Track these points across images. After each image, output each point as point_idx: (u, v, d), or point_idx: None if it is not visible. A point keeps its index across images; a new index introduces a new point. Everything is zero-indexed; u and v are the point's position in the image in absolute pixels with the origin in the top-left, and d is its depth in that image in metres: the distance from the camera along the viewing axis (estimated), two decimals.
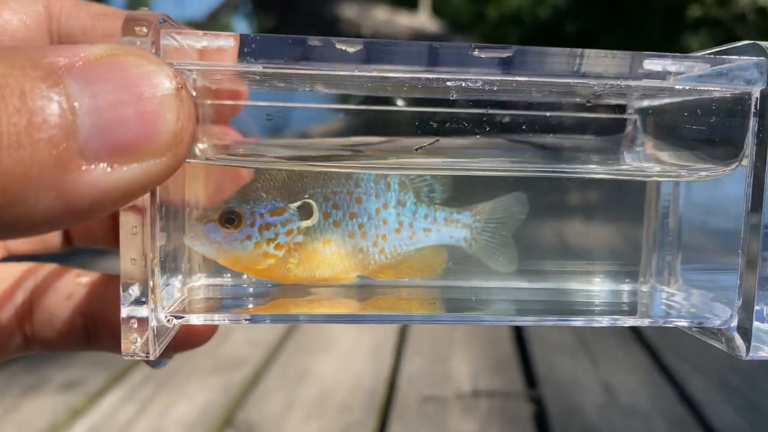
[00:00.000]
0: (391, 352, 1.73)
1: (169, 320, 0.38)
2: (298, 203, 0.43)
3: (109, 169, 0.27)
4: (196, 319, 0.39)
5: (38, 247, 0.47)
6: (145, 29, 0.31)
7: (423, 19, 5.70)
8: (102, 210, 0.28)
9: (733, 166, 0.39)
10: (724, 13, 7.19)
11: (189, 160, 0.40)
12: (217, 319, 0.40)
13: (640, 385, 1.56)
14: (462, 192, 0.47)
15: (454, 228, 0.47)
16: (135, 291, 0.35)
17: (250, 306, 0.45)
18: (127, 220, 0.34)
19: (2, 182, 0.24)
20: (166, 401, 1.45)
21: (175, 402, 1.45)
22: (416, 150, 0.43)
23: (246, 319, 0.40)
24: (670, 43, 7.81)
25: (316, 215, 0.43)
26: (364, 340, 1.80)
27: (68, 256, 0.51)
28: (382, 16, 5.41)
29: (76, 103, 0.26)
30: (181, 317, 0.39)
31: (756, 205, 0.37)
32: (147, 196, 0.34)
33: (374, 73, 0.35)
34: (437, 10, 7.00)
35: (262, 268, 0.43)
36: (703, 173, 0.42)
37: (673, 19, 7.81)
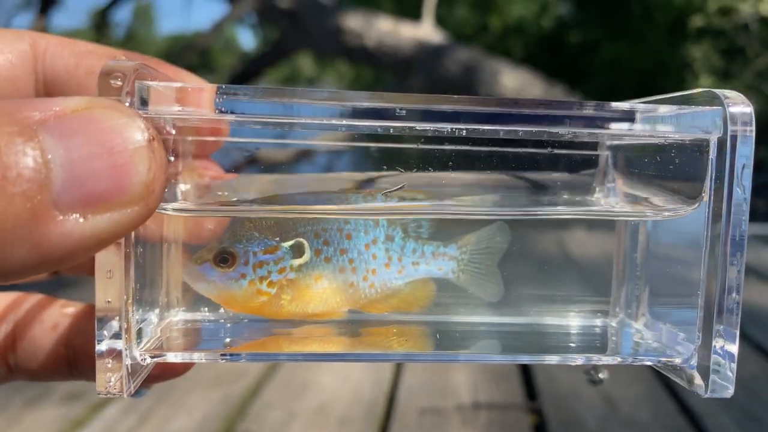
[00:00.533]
0: (390, 364, 1.74)
1: (143, 359, 0.39)
2: (291, 242, 0.44)
3: (82, 220, 0.28)
4: (172, 357, 0.40)
5: None
6: (119, 81, 0.33)
7: (427, 30, 5.71)
8: (75, 258, 0.28)
9: (694, 206, 0.40)
10: (726, 23, 7.20)
11: (164, 211, 0.41)
12: (194, 357, 0.41)
13: (641, 396, 1.56)
14: (447, 225, 0.48)
15: (442, 261, 0.48)
16: (110, 330, 0.36)
17: (228, 341, 0.46)
18: (102, 264, 0.35)
19: None
20: (166, 413, 1.46)
21: (175, 414, 1.46)
22: (383, 194, 0.44)
23: (222, 357, 0.41)
24: (673, 53, 7.81)
25: (308, 253, 0.45)
26: None
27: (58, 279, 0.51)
28: (385, 26, 5.43)
29: (50, 156, 0.27)
30: (157, 356, 0.40)
31: (714, 247, 0.38)
32: (122, 239, 0.35)
33: (344, 122, 0.37)
34: (441, 20, 7.02)
35: (256, 305, 0.44)
36: (667, 213, 0.43)
37: (675, 29, 7.82)
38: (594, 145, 0.48)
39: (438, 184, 0.46)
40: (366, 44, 5.32)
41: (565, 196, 0.49)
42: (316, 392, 1.57)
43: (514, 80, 5.28)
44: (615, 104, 0.39)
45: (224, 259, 0.43)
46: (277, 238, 0.44)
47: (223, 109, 0.36)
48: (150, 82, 0.35)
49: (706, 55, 7.51)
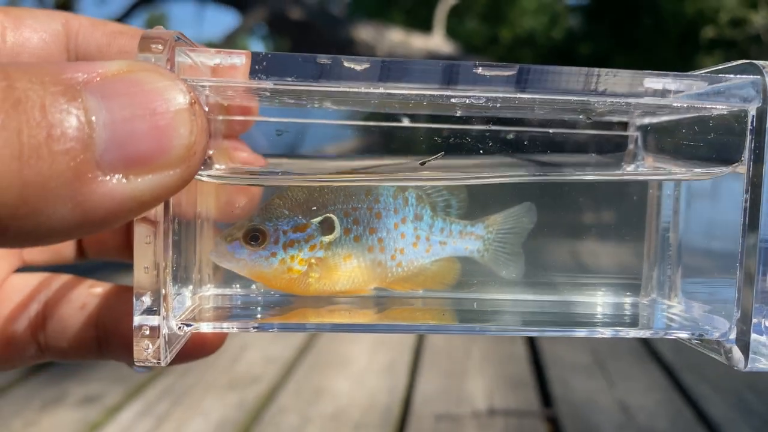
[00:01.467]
0: (406, 370, 1.73)
1: (180, 328, 0.39)
2: (320, 218, 0.45)
3: (124, 181, 0.28)
4: (205, 327, 0.40)
5: (53, 258, 0.49)
6: (160, 46, 0.33)
7: (437, 41, 5.74)
8: (116, 220, 0.29)
9: (729, 169, 0.40)
10: (738, 34, 7.19)
11: (203, 178, 0.41)
12: (225, 327, 0.41)
13: (658, 405, 1.55)
14: (474, 204, 0.49)
15: (468, 240, 0.48)
16: (147, 299, 0.36)
17: (259, 315, 0.46)
18: (141, 231, 0.35)
19: (22, 192, 0.25)
20: (182, 417, 1.46)
21: (191, 418, 1.46)
22: (420, 164, 0.44)
23: (254, 327, 0.41)
24: (685, 64, 7.81)
25: (338, 229, 0.45)
26: (379, 358, 1.81)
27: (84, 271, 0.52)
28: (397, 38, 5.46)
29: (93, 117, 0.27)
30: (191, 325, 0.40)
31: (753, 221, 0.38)
32: (160, 207, 0.35)
33: (381, 90, 0.37)
34: (451, 32, 7.05)
35: (284, 282, 0.45)
36: (697, 170, 0.43)
37: (687, 40, 7.82)
38: (624, 126, 0.48)
39: (469, 164, 0.46)
40: (377, 56, 5.35)
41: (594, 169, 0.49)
42: (332, 398, 1.57)
43: None
44: (649, 76, 0.39)
45: (254, 237, 0.43)
46: (307, 216, 0.45)
47: (260, 76, 0.36)
48: (187, 50, 0.35)
49: None
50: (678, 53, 7.85)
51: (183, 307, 0.42)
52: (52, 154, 0.25)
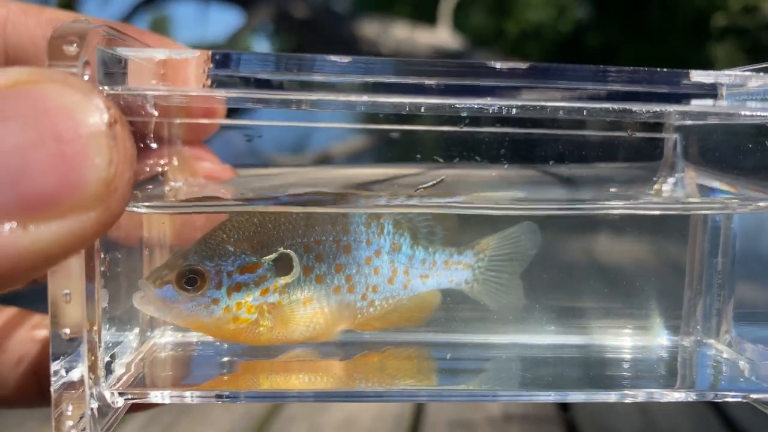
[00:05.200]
0: None
1: (114, 400, 0.32)
2: (274, 255, 0.37)
3: (21, 230, 0.21)
4: (155, 398, 0.33)
5: None
6: (75, 47, 0.25)
7: (443, 36, 5.69)
8: (17, 279, 0.22)
9: None
10: (749, 22, 7.10)
11: (138, 210, 0.34)
12: (174, 396, 0.34)
13: (679, 408, 1.50)
14: (464, 226, 0.41)
15: (455, 270, 0.40)
16: (68, 369, 0.29)
17: (225, 371, 0.38)
18: (57, 285, 0.27)
19: None
20: (188, 427, 1.43)
21: (198, 427, 1.43)
22: (417, 190, 0.37)
23: (218, 397, 0.35)
24: (695, 53, 7.72)
25: (297, 269, 0.37)
26: None
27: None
28: (401, 34, 5.42)
29: None
30: (135, 396, 0.33)
31: None
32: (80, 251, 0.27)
33: (365, 99, 0.29)
34: (457, 25, 6.99)
35: (229, 332, 0.37)
36: (762, 204, 0.35)
37: (697, 29, 7.74)
38: (658, 127, 0.40)
39: (477, 182, 0.39)
40: (382, 53, 5.31)
41: (619, 190, 0.41)
42: (341, 405, 1.53)
43: None
44: (694, 74, 0.32)
45: (191, 280, 0.36)
46: (258, 253, 0.37)
47: (216, 84, 0.29)
48: (120, 49, 0.28)
49: (730, 55, 7.42)
50: (688, 42, 7.77)
51: (124, 366, 0.35)
52: None
